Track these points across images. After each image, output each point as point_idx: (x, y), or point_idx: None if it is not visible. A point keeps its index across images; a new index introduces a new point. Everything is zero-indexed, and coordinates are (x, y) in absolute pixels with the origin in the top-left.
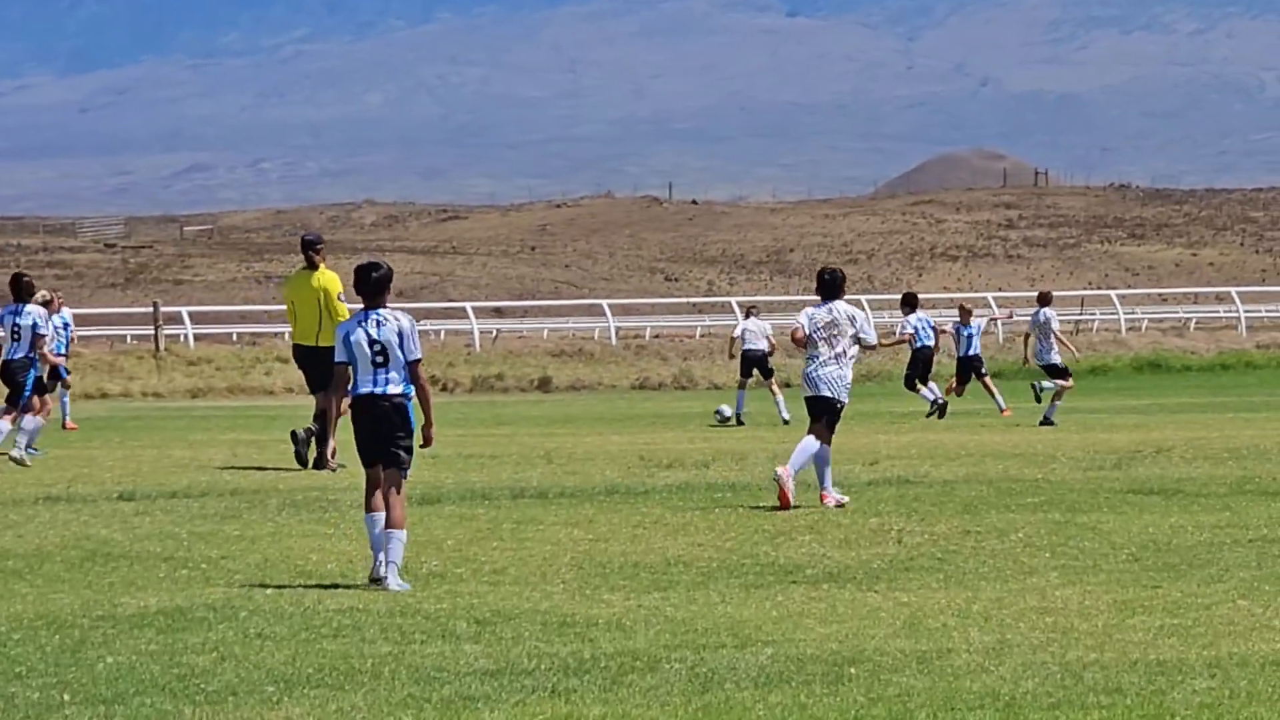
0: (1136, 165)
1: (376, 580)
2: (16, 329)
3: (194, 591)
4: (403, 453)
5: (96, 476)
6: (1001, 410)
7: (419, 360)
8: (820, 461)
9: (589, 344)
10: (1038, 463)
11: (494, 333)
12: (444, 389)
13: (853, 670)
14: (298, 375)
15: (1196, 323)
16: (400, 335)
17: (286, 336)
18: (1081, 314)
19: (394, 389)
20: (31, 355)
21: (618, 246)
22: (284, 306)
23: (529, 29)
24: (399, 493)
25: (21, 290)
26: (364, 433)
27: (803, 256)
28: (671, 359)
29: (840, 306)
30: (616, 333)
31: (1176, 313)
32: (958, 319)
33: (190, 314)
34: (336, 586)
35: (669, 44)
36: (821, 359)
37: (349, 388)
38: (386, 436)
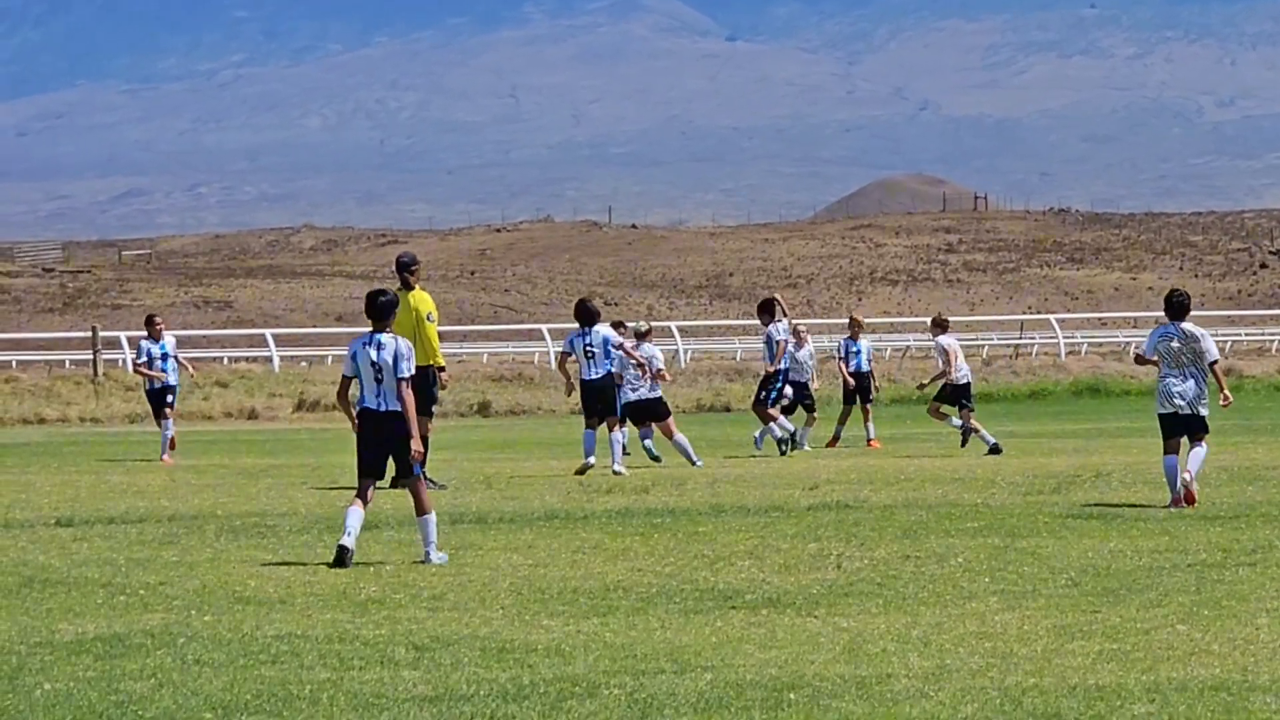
0: (1076, 190)
1: (344, 550)
2: None
3: (132, 618)
4: (410, 458)
5: (34, 502)
6: (869, 440)
7: (406, 379)
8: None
9: (528, 368)
10: (977, 488)
11: (484, 356)
12: None
13: (792, 696)
14: (236, 400)
15: (1136, 347)
16: (395, 357)
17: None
18: (1021, 338)
19: (393, 405)
20: None
21: (557, 271)
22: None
23: (467, 53)
24: (419, 489)
25: None
26: (368, 444)
27: (742, 281)
28: None
29: (1188, 327)
30: (555, 357)
31: (1116, 337)
32: (847, 334)
33: (129, 339)
34: (275, 612)
35: (607, 68)
36: (1178, 376)
37: (357, 402)
38: (392, 449)
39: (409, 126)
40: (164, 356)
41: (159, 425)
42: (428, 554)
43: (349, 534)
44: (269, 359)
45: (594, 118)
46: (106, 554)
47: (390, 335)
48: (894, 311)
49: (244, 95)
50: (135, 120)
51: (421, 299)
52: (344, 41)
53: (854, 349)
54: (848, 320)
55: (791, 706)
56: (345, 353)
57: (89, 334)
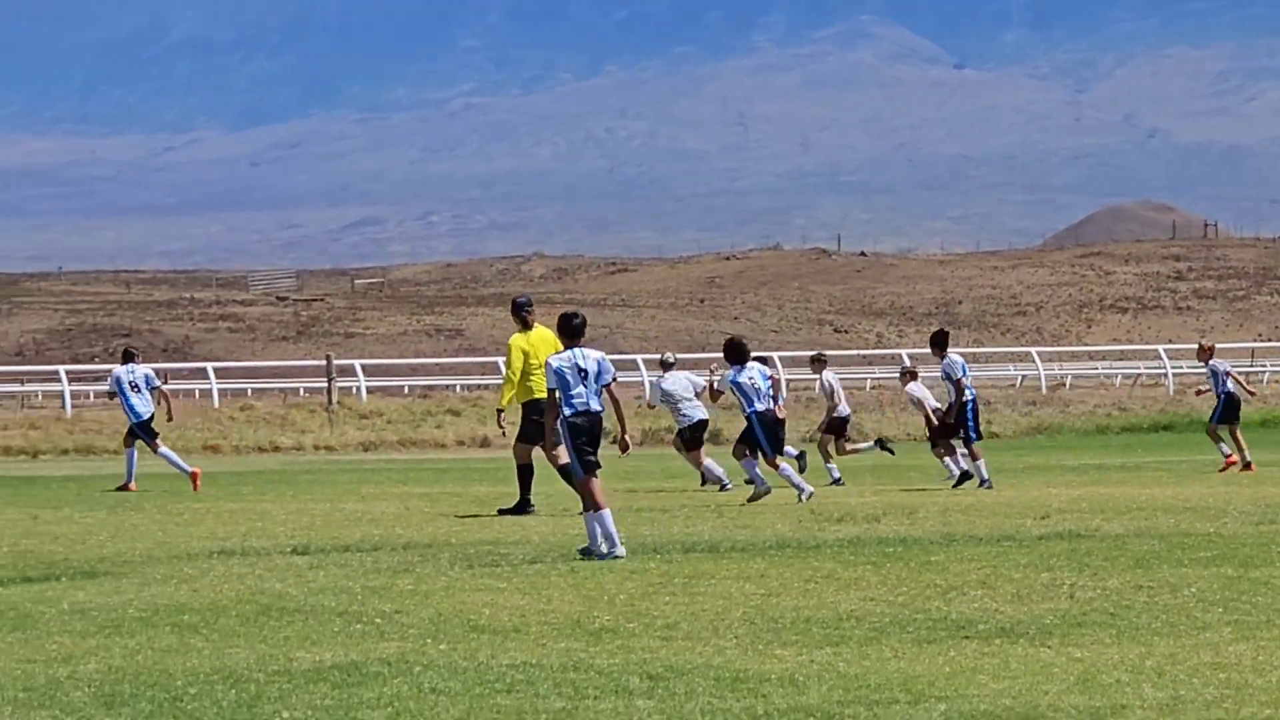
0: None
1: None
2: None
3: (368, 646)
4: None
5: (270, 530)
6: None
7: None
8: None
9: None
10: (1209, 517)
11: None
12: (613, 441)
13: None
14: (469, 428)
15: None
16: (600, 364)
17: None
18: (1252, 365)
19: (599, 406)
20: None
21: (786, 298)
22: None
23: (696, 82)
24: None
25: None
26: (588, 442)
27: (971, 308)
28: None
29: None
30: (786, 385)
31: None
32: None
33: (363, 366)
34: (509, 641)
35: (836, 96)
36: None
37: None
38: (597, 445)
39: (638, 155)
40: (136, 386)
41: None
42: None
43: (615, 542)
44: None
45: (822, 145)
46: (342, 582)
47: (589, 348)
48: (1123, 339)
49: (475, 124)
50: (367, 149)
51: (546, 337)
52: (574, 71)
53: (1221, 371)
54: (1199, 348)
55: None
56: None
57: (323, 362)
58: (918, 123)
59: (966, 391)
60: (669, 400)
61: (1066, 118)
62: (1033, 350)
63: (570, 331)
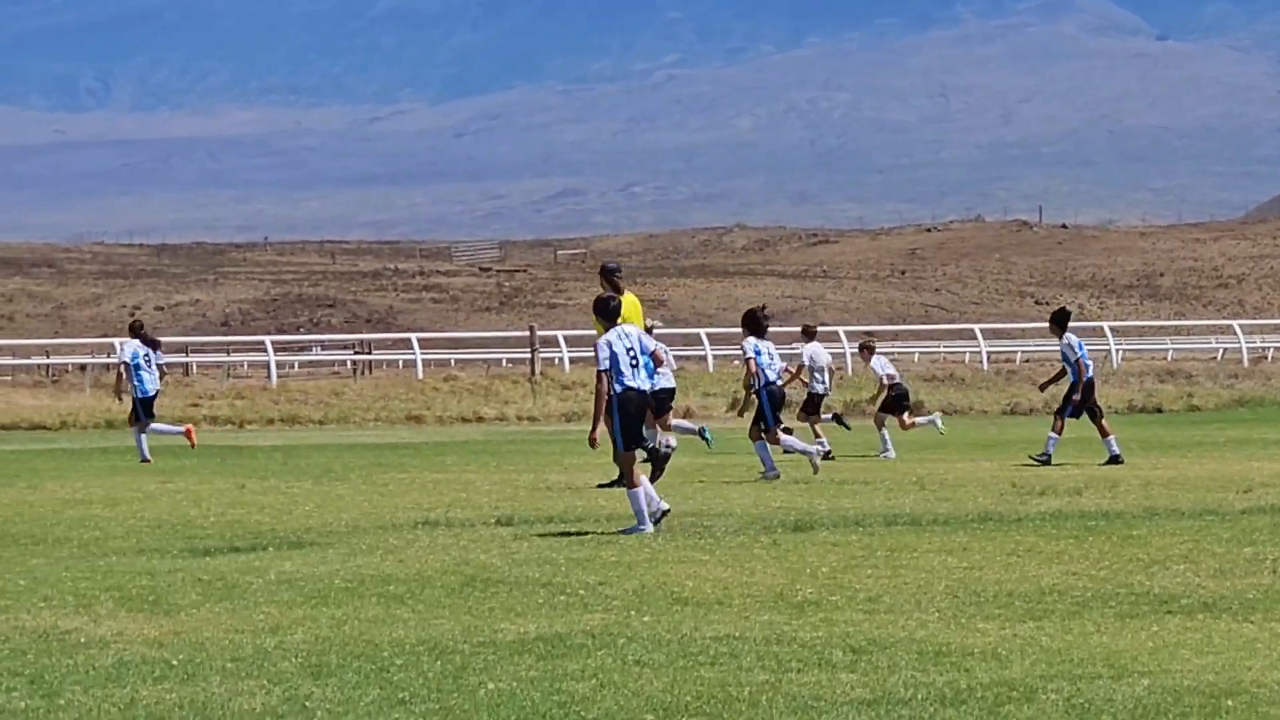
0: None
1: (661, 514)
2: None
3: (572, 618)
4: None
5: (474, 501)
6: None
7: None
8: None
9: (959, 368)
10: None
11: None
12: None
13: (1230, 703)
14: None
15: None
16: (641, 340)
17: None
18: None
19: (645, 384)
20: None
21: (987, 270)
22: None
23: (898, 54)
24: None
25: None
26: (634, 419)
27: (1173, 281)
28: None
29: None
30: (988, 357)
31: None
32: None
33: (566, 337)
34: (712, 613)
35: (1038, 68)
36: None
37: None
38: (643, 421)
39: (840, 126)
40: (149, 361)
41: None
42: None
43: (656, 501)
44: (703, 358)
45: (1024, 117)
46: (546, 553)
47: (629, 325)
48: None
49: (677, 95)
50: (570, 121)
51: (634, 304)
52: (776, 42)
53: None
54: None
55: (1229, 713)
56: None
57: (526, 333)
58: (1119, 94)
59: (1086, 371)
60: None
61: (1269, 89)
62: (1234, 323)
63: (608, 313)
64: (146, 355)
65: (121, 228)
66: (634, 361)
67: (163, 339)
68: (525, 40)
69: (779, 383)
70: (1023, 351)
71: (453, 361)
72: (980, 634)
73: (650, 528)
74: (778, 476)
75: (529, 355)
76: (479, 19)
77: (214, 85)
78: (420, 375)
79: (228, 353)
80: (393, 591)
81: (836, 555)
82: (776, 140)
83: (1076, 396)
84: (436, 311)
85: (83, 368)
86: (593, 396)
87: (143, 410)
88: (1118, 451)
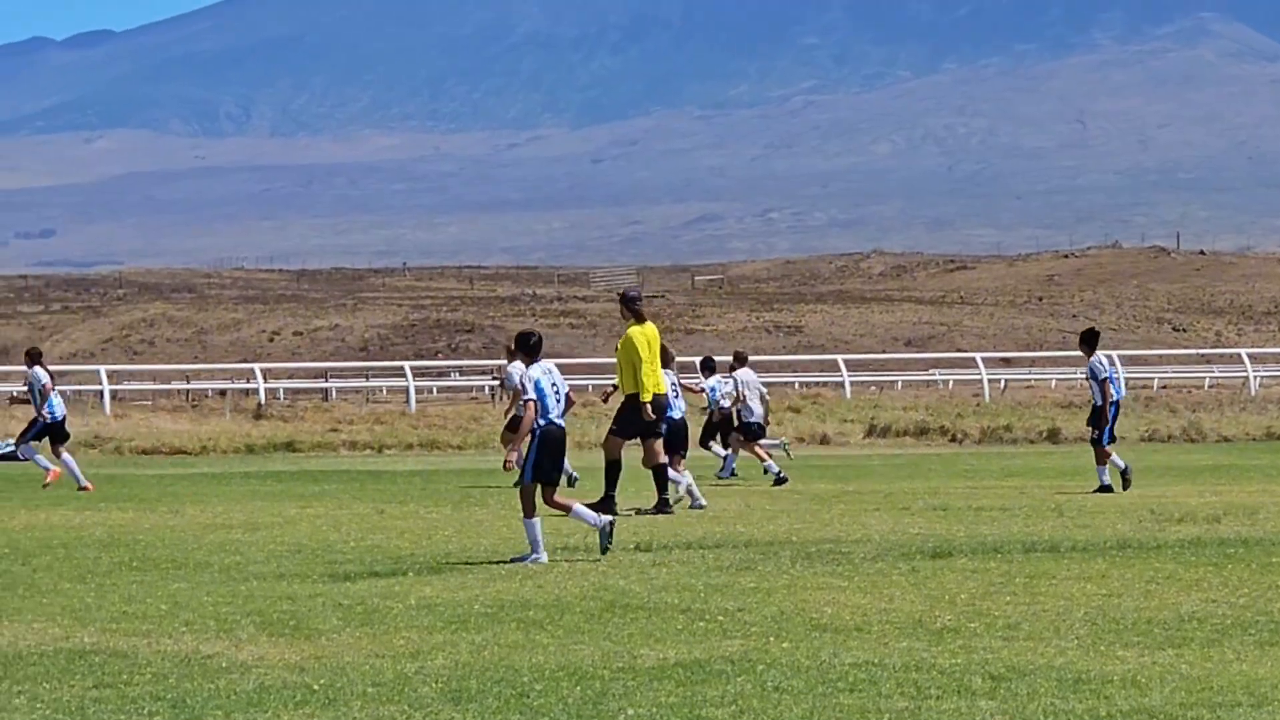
0: None
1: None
2: None
3: (711, 644)
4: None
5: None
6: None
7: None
8: None
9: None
10: None
11: (1002, 383)
12: (953, 439)
13: None
14: (808, 425)
15: None
16: (559, 380)
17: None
18: None
19: (561, 421)
20: None
21: (1124, 296)
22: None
23: (1035, 80)
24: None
25: None
26: (554, 455)
27: None
28: (1180, 411)
29: None
30: (1125, 384)
31: None
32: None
33: (700, 363)
34: (851, 640)
35: (1176, 94)
36: None
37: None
38: (562, 455)
39: (977, 152)
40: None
41: (54, 455)
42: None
43: (538, 548)
44: (840, 384)
45: (1162, 143)
46: (685, 579)
47: (549, 362)
48: None
49: (815, 121)
50: (708, 146)
51: (653, 332)
52: (913, 68)
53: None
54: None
55: None
56: (530, 382)
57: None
58: (1258, 120)
59: (1114, 393)
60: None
61: None
62: None
63: (529, 349)
64: (47, 382)
65: (262, 253)
66: (558, 397)
67: (302, 364)
68: (664, 66)
69: (679, 416)
70: (1160, 378)
71: (590, 387)
72: (1119, 661)
73: (545, 557)
74: (683, 505)
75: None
76: (618, 44)
77: (354, 111)
78: None
79: (366, 378)
80: (532, 617)
81: (975, 582)
82: (913, 166)
83: (1105, 421)
84: (574, 337)
85: (222, 393)
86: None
87: (54, 434)
88: (1108, 482)
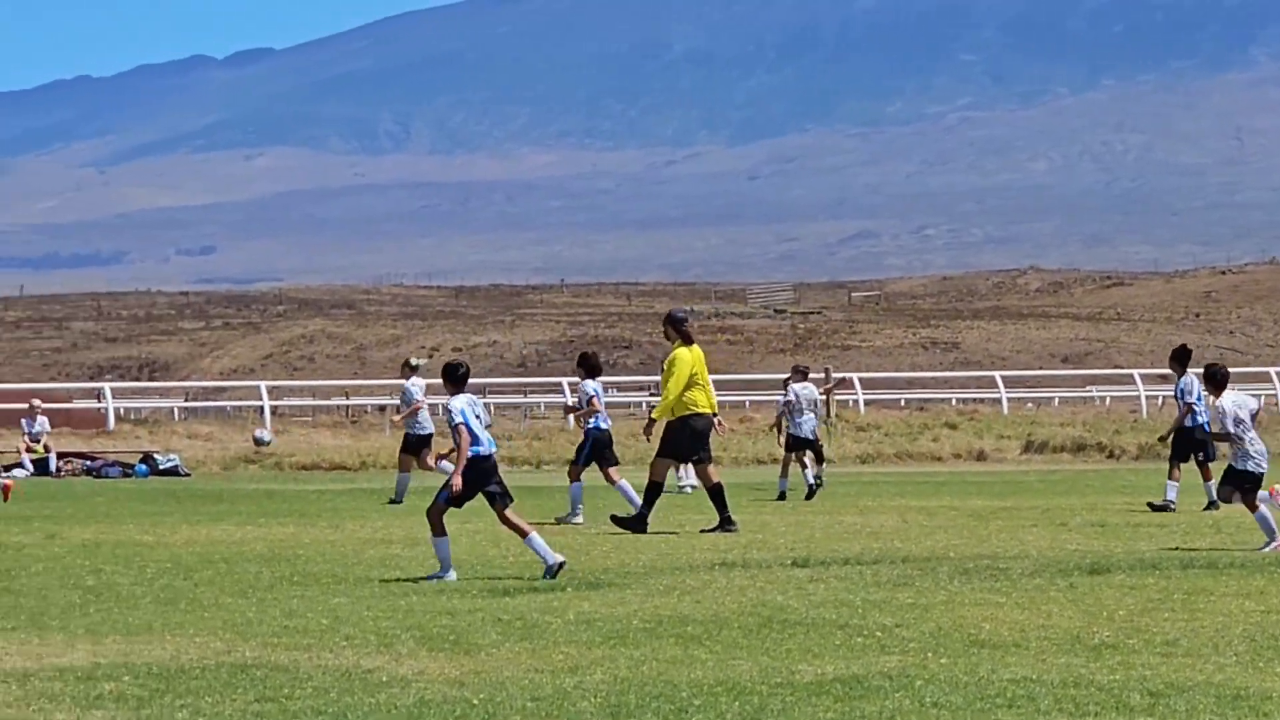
0: None
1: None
2: None
3: (869, 659)
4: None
5: (771, 543)
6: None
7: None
8: None
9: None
10: None
11: (1159, 400)
12: (1110, 456)
13: None
14: (966, 442)
15: None
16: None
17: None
18: None
19: (492, 449)
20: None
21: None
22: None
23: (1192, 96)
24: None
25: None
26: (478, 484)
27: None
28: None
29: None
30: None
31: None
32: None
33: (860, 379)
34: (1009, 656)
35: None
36: None
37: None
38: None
39: (1134, 169)
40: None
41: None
42: (560, 563)
43: (448, 566)
44: (997, 400)
45: None
46: (843, 595)
47: (472, 395)
48: None
49: (971, 138)
50: (864, 163)
51: (700, 354)
52: (1069, 85)
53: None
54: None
55: None
56: (460, 413)
57: (821, 375)
58: None
59: (1199, 415)
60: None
61: None
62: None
63: (457, 379)
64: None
65: (420, 269)
66: (485, 427)
67: None
68: (819, 83)
69: (606, 426)
70: None
71: (747, 403)
72: (1278, 678)
73: (453, 576)
74: (579, 522)
75: (824, 397)
76: (774, 62)
77: (512, 128)
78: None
79: (524, 394)
80: (690, 632)
81: (1133, 598)
82: (1070, 183)
83: (1168, 437)
84: (731, 353)
85: (381, 408)
86: (886, 438)
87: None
88: (1172, 499)
